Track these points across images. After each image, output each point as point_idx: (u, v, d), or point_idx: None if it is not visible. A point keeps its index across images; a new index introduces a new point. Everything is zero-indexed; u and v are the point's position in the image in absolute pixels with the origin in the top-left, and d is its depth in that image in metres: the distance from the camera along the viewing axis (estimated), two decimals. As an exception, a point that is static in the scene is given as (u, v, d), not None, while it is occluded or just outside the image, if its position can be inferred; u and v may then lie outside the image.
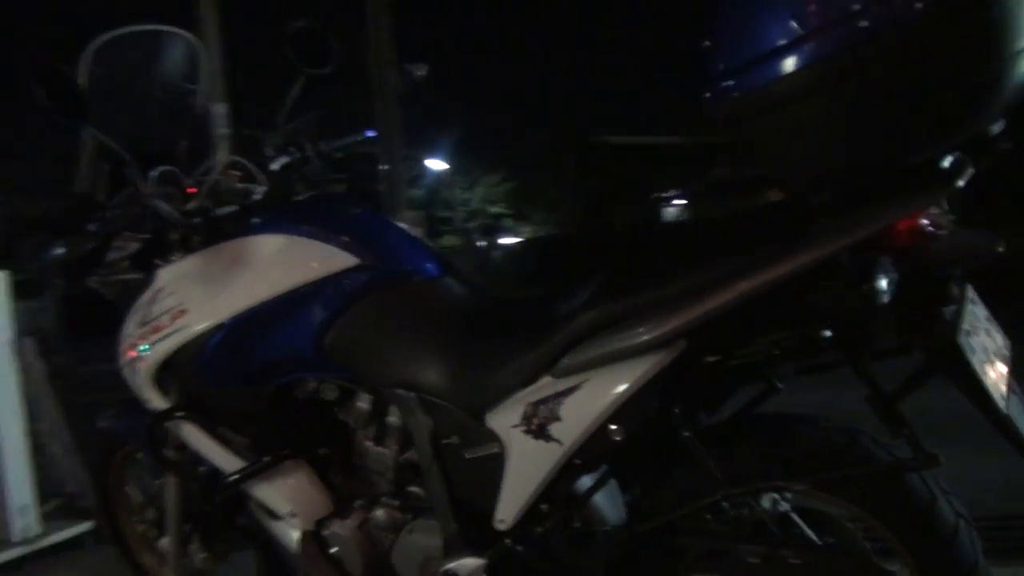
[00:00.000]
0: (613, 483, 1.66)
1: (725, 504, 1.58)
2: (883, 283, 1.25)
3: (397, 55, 13.89)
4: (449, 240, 34.47)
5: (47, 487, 3.59)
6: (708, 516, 1.60)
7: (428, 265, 1.90)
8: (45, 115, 1.71)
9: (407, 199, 15.38)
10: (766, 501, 1.58)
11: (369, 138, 2.29)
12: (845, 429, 1.48)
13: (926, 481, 1.43)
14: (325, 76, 2.04)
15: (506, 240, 32.69)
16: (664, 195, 25.49)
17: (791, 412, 1.56)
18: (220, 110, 10.36)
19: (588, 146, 30.48)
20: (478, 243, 32.25)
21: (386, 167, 14.79)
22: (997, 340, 1.47)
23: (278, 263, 1.90)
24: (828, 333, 1.31)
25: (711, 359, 1.42)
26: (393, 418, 1.86)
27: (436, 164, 34.44)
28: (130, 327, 2.10)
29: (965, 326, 1.34)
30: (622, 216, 27.07)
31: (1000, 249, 1.35)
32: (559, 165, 30.65)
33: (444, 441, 1.72)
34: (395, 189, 14.86)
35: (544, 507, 1.62)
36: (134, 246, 2.09)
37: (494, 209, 35.16)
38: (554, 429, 1.54)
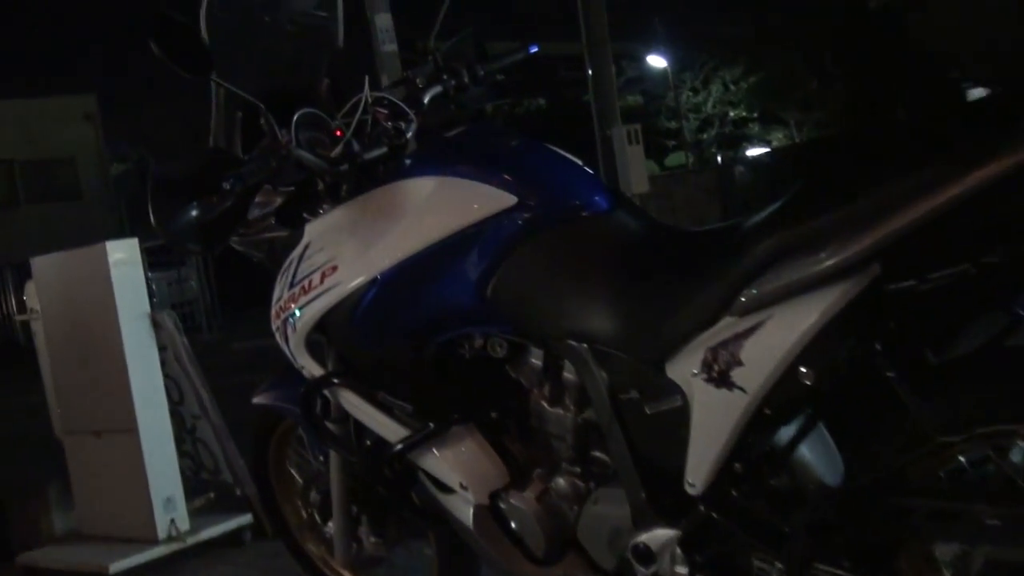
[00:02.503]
0: (824, 437, 1.83)
1: (962, 460, 1.72)
2: None
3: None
4: (677, 158, 34.44)
5: (199, 478, 4.14)
6: (941, 474, 1.74)
7: (596, 198, 2.11)
8: (167, 69, 2.03)
9: (620, 109, 15.33)
10: (1015, 455, 1.67)
11: (533, 54, 2.54)
12: None
13: None
14: None
15: (753, 152, 32.12)
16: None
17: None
18: (382, 22, 10.90)
19: (858, 14, 28.66)
20: (718, 158, 31.95)
21: (591, 72, 14.80)
22: None
23: (431, 208, 2.18)
24: None
25: (906, 284, 1.56)
26: (568, 374, 2.11)
27: (657, 61, 34.25)
28: (280, 289, 2.42)
29: None
30: (912, 105, 25.49)
31: None
32: (816, 45, 29.17)
33: (623, 396, 1.95)
34: (605, 99, 14.85)
35: (738, 466, 1.82)
36: (278, 200, 2.41)
37: (735, 113, 34.52)
38: (737, 375, 1.73)
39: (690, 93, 34.78)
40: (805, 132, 31.89)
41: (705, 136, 35.16)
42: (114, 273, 3.88)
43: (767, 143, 33.85)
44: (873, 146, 1.73)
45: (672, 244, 2.06)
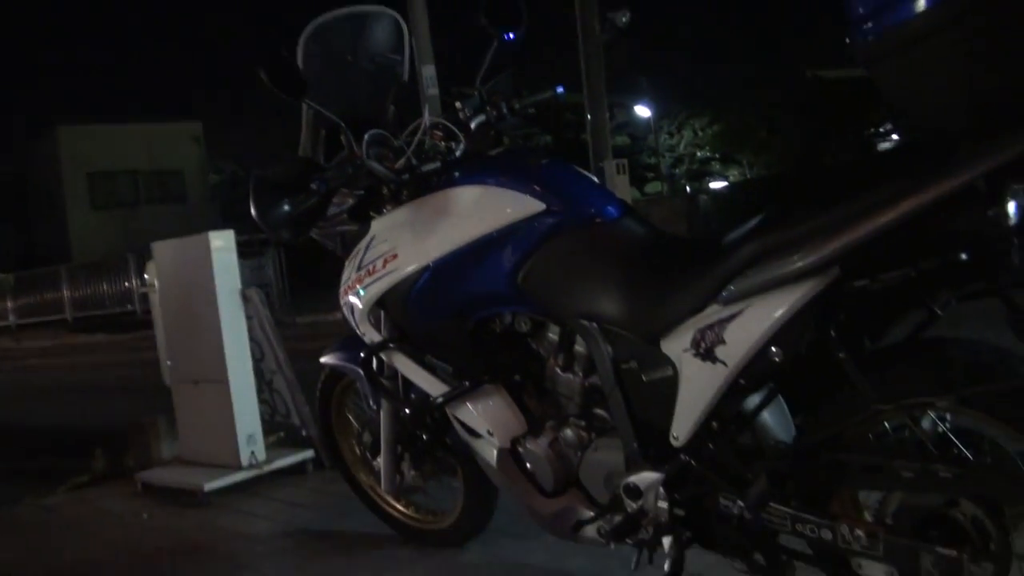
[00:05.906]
0: (781, 403, 1.84)
1: (886, 425, 1.73)
2: (1012, 207, 1.37)
3: (598, 3, 13.94)
4: (655, 187, 34.47)
5: (273, 420, 4.18)
6: (870, 436, 1.74)
7: (609, 208, 2.08)
8: (270, 93, 2.04)
9: (612, 147, 15.29)
10: (926, 422, 1.69)
11: (559, 94, 2.53)
12: (995, 349, 1.55)
13: None
14: (518, 40, 2.30)
15: (714, 184, 31.95)
16: (879, 130, 24.32)
17: (945, 335, 1.65)
18: (428, 71, 11.19)
19: (797, 82, 29.23)
20: (687, 188, 31.81)
21: (590, 116, 14.73)
22: None
23: (475, 211, 2.14)
24: (964, 257, 1.44)
25: (860, 284, 1.56)
26: (579, 347, 2.08)
27: (642, 110, 34.16)
28: (348, 272, 2.41)
29: None
30: (836, 154, 25.91)
31: None
32: (767, 104, 29.51)
33: (624, 366, 1.94)
34: (600, 138, 14.82)
35: (714, 424, 1.82)
36: (351, 201, 2.39)
37: (701, 153, 34.68)
38: (720, 352, 1.73)
39: (667, 136, 35.13)
40: (755, 170, 32.03)
41: (677, 171, 35.30)
42: (214, 257, 3.90)
43: (725, 178, 33.84)
44: (824, 180, 1.74)
45: (670, 247, 2.03)
